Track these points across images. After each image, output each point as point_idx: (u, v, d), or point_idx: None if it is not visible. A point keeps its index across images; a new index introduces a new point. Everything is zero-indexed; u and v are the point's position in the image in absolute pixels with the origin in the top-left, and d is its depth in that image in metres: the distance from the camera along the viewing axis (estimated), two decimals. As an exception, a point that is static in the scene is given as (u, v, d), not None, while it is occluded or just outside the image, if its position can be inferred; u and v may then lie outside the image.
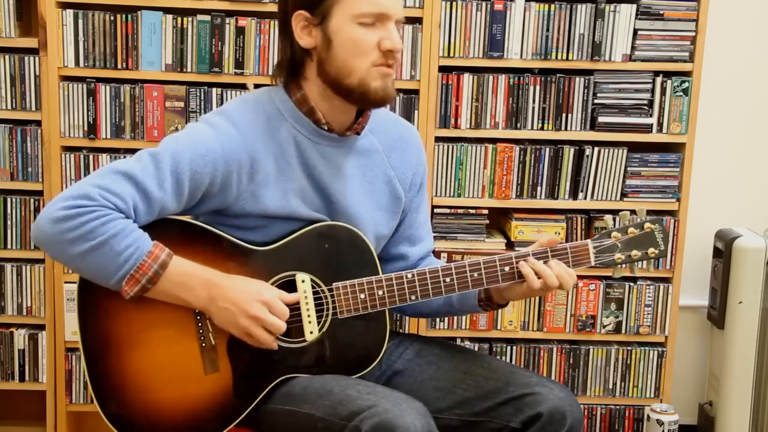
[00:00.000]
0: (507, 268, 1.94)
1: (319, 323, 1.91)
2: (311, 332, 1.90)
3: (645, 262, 2.01)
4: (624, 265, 2.00)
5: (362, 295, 1.92)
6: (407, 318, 2.84)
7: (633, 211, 2.05)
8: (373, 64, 1.87)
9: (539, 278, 1.91)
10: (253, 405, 1.91)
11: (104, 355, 1.87)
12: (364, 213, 2.01)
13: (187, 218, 1.93)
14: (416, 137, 2.16)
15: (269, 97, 1.96)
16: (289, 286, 1.90)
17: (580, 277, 2.90)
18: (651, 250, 1.98)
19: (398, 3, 1.92)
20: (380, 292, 1.92)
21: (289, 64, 1.95)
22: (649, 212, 2.88)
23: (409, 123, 2.20)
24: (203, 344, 1.88)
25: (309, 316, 1.89)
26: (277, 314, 1.83)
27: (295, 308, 1.88)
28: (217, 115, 1.93)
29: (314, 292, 1.91)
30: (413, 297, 1.93)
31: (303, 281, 1.90)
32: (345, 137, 1.99)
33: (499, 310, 2.90)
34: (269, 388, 1.91)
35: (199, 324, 1.87)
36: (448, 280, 1.93)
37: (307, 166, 1.95)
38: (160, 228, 1.86)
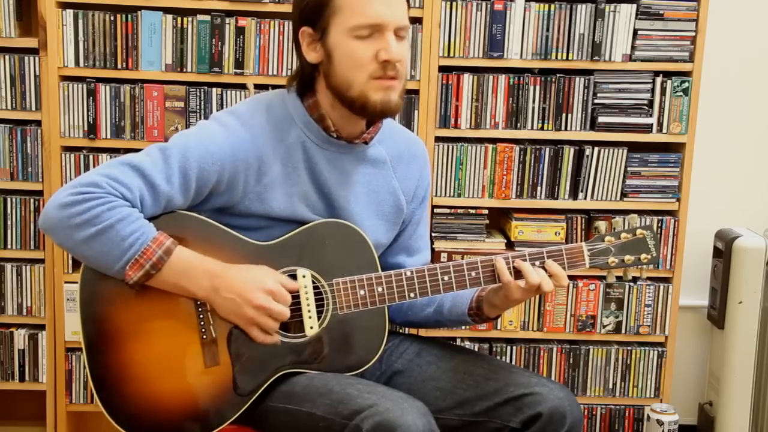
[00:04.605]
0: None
1: (319, 319, 1.91)
2: (311, 327, 1.90)
3: (637, 267, 2.02)
4: (619, 269, 2.01)
5: (362, 292, 1.92)
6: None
7: (625, 215, 2.06)
8: (371, 76, 1.87)
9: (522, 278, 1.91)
10: (252, 400, 1.90)
11: (105, 346, 1.86)
12: (366, 220, 2.02)
13: (190, 212, 1.93)
14: (423, 151, 2.16)
15: (282, 101, 1.97)
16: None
17: (579, 278, 2.90)
18: (644, 255, 2.00)
19: (396, 10, 1.87)
20: (380, 289, 1.92)
21: (300, 78, 1.96)
22: (649, 212, 2.90)
23: (417, 137, 2.21)
24: (204, 337, 1.87)
25: (309, 311, 1.90)
26: (281, 302, 1.83)
27: (295, 303, 1.88)
28: (229, 114, 1.94)
29: (314, 288, 1.91)
30: (412, 294, 1.93)
31: (304, 276, 1.90)
32: (353, 145, 2.00)
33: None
34: (269, 382, 1.91)
35: (201, 316, 1.87)
36: (446, 278, 1.94)
37: (314, 171, 1.96)
38: (164, 220, 1.86)
